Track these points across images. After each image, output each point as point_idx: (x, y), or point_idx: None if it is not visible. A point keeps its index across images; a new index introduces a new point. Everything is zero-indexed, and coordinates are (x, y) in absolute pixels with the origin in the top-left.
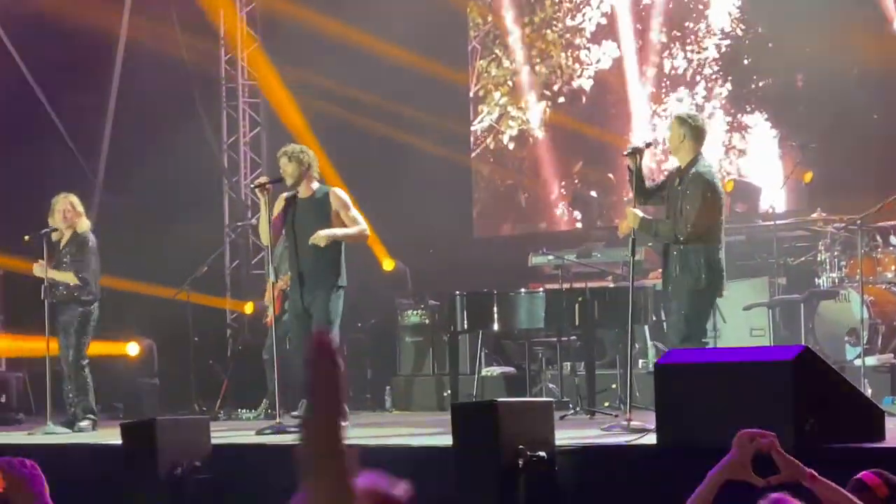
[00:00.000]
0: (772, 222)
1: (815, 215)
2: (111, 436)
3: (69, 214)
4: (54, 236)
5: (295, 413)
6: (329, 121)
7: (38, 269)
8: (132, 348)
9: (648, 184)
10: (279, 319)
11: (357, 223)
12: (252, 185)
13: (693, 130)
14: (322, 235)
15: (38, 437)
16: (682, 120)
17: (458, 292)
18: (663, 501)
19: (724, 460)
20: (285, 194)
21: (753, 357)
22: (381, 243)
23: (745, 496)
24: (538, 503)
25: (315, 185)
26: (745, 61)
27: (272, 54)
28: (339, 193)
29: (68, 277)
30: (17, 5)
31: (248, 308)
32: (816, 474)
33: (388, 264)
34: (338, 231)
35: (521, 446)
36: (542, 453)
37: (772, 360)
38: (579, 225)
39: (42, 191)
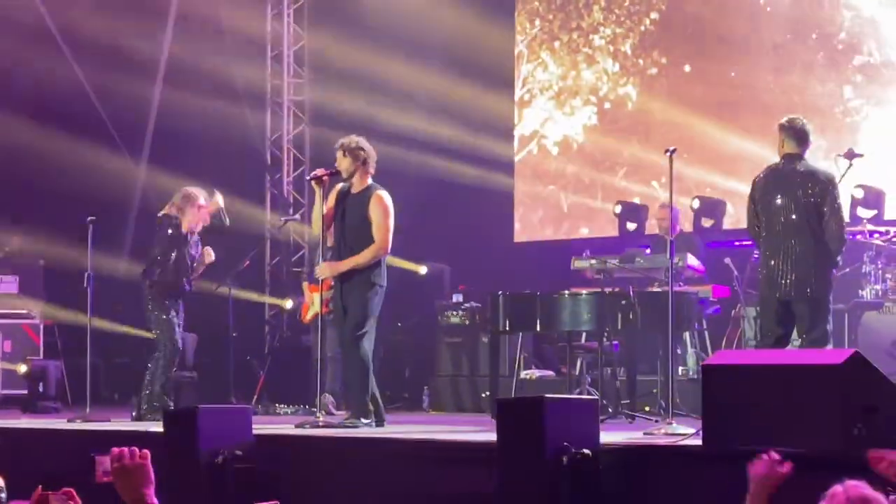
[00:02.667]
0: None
1: (860, 227)
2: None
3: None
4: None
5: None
6: (371, 112)
7: None
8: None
9: None
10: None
11: (378, 237)
12: (309, 177)
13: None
14: (326, 270)
15: (77, 424)
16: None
17: (500, 292)
18: (708, 502)
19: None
20: (339, 186)
21: (803, 360)
22: (403, 259)
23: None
24: (582, 501)
25: (369, 181)
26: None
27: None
28: (382, 198)
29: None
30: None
31: (287, 304)
32: None
33: (421, 270)
34: (343, 265)
35: (566, 444)
36: (586, 451)
37: (821, 364)
38: (626, 229)
39: (87, 178)
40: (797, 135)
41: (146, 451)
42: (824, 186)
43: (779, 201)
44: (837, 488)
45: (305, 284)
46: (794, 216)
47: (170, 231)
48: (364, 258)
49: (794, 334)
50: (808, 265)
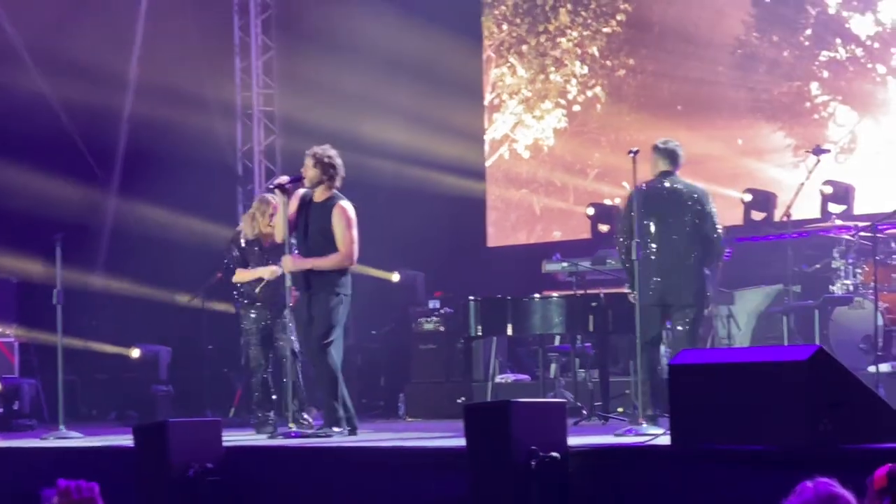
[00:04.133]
0: (787, 230)
1: (829, 222)
2: (124, 439)
3: None
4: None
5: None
6: (342, 122)
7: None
8: (134, 352)
9: None
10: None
11: (342, 246)
12: (270, 185)
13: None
14: (289, 263)
15: (50, 441)
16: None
17: (472, 297)
18: (678, 501)
19: None
20: (301, 191)
21: (768, 357)
22: (372, 266)
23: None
24: None
25: (332, 192)
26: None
27: (285, 62)
28: (344, 209)
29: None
30: (32, 13)
31: None
32: None
33: (393, 277)
34: (307, 262)
35: (533, 447)
36: (555, 454)
37: (786, 361)
38: (599, 231)
39: (54, 196)
40: (670, 155)
41: (94, 485)
42: (701, 198)
43: (654, 216)
44: (806, 484)
45: None
46: (669, 228)
47: (234, 249)
48: (327, 262)
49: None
50: (685, 272)
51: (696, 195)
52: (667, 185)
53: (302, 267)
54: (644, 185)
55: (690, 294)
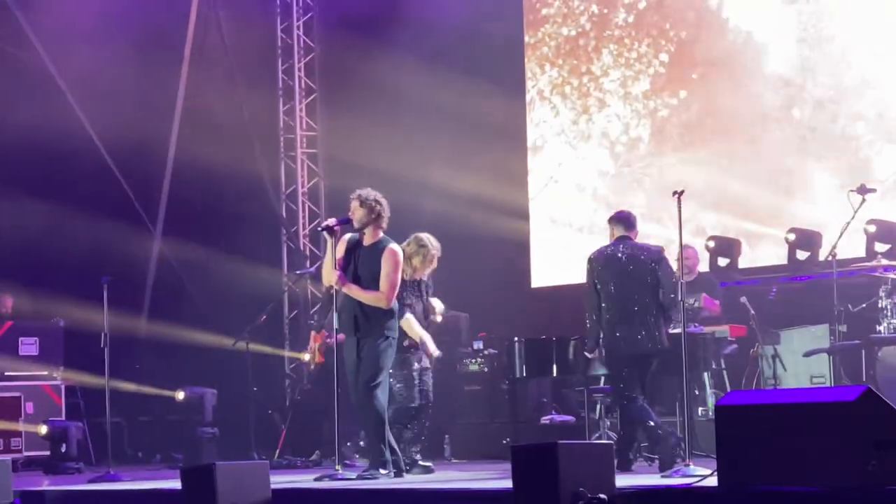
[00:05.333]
0: (832, 269)
1: (875, 262)
2: (170, 482)
3: None
4: None
5: (348, 461)
6: (385, 163)
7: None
8: (180, 394)
9: None
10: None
11: (384, 287)
12: (320, 227)
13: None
14: (333, 277)
15: (101, 484)
16: None
17: (517, 338)
18: None
19: None
20: (349, 236)
21: (815, 398)
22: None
23: None
24: None
25: (380, 234)
26: (796, 111)
27: (328, 104)
28: (395, 253)
29: None
30: (78, 57)
31: (306, 357)
32: None
33: (436, 318)
34: (354, 288)
35: (581, 489)
36: (602, 496)
37: (834, 401)
38: None
39: (102, 242)
40: (624, 222)
41: None
42: (654, 258)
43: (615, 277)
44: None
45: (312, 333)
46: (629, 287)
47: None
48: (367, 296)
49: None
50: (647, 327)
51: (650, 255)
52: (623, 248)
53: (348, 291)
54: (604, 250)
55: (654, 346)
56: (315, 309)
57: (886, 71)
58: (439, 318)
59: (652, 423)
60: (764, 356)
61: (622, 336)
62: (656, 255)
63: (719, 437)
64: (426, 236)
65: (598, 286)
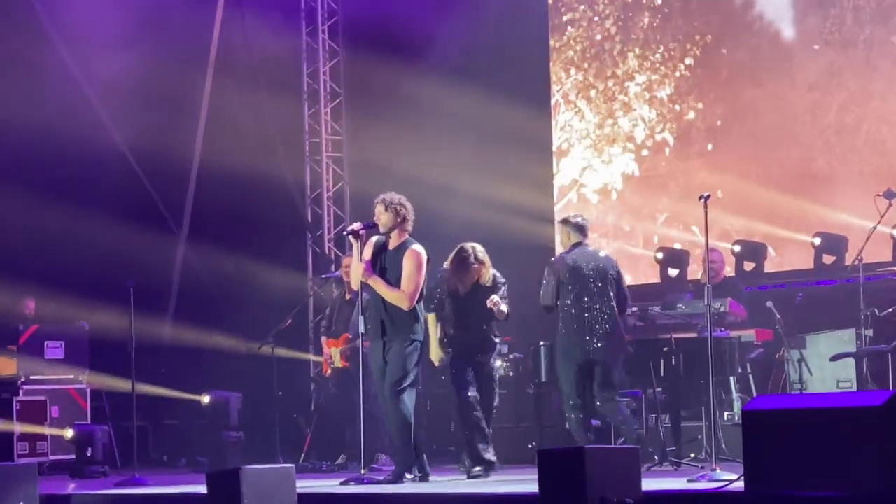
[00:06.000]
0: (858, 274)
1: None
2: (196, 486)
3: None
4: None
5: (375, 465)
6: (410, 168)
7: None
8: (205, 398)
9: None
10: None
11: (406, 286)
12: (346, 231)
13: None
14: (360, 269)
15: (126, 489)
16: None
17: (542, 342)
18: None
19: None
20: (375, 238)
21: (842, 402)
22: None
23: None
24: None
25: (406, 237)
26: (822, 115)
27: (354, 109)
28: (418, 253)
29: None
30: (102, 66)
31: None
32: None
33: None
34: (379, 281)
35: (607, 493)
36: (629, 500)
37: (861, 406)
38: (668, 275)
39: (129, 245)
40: (580, 228)
41: None
42: (609, 264)
43: (574, 281)
44: None
45: (324, 339)
46: (587, 292)
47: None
48: (389, 293)
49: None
50: (602, 331)
51: (609, 263)
52: (579, 254)
53: (374, 284)
54: (561, 256)
55: (612, 350)
56: (320, 316)
57: None
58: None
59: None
60: (790, 360)
61: (578, 341)
62: (614, 262)
63: (746, 441)
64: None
65: (559, 288)
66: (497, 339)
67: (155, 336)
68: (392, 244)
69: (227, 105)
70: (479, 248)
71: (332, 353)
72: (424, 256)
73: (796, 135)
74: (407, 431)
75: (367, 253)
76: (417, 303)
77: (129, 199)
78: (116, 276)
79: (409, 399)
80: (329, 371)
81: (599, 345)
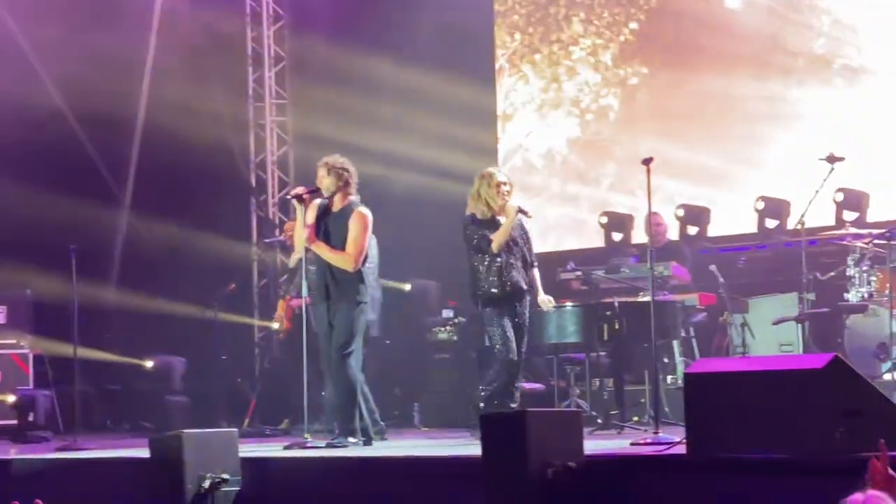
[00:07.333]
0: (800, 238)
1: (843, 230)
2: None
3: None
4: None
5: (318, 428)
6: (354, 133)
7: None
8: (148, 363)
9: None
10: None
11: (351, 248)
12: (290, 195)
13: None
14: (303, 235)
15: (69, 453)
16: None
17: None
18: None
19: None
20: (318, 201)
21: (784, 365)
22: (387, 278)
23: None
24: None
25: (348, 199)
26: (765, 79)
27: (298, 74)
28: (364, 215)
29: None
30: (46, 27)
31: (276, 326)
32: None
33: (405, 287)
34: (322, 246)
35: (550, 456)
36: (571, 463)
37: (802, 369)
38: (612, 240)
39: (71, 209)
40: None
41: None
42: None
43: None
44: (857, 496)
45: (280, 301)
46: None
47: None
48: (334, 256)
49: None
50: None
51: None
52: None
53: (317, 249)
54: None
55: None
56: (283, 278)
57: (852, 39)
58: (407, 288)
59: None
60: (733, 324)
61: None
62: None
63: (688, 404)
64: (493, 169)
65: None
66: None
67: (98, 301)
68: (335, 207)
69: (171, 69)
70: None
71: (281, 316)
72: (370, 218)
73: (740, 99)
74: (352, 396)
75: (311, 216)
76: (362, 265)
77: (71, 163)
78: (59, 240)
79: (354, 363)
80: (281, 335)
81: None
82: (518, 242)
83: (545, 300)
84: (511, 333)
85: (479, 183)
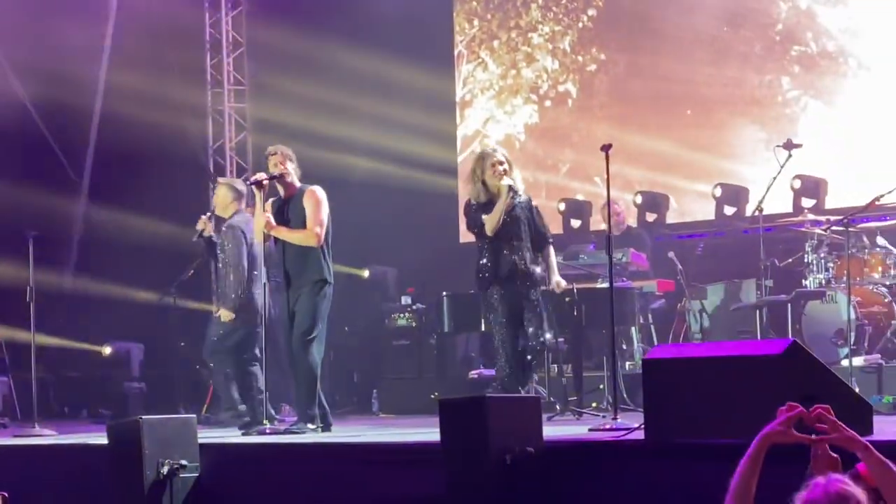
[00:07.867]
0: (758, 224)
1: (801, 217)
2: (97, 436)
3: None
4: None
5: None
6: (313, 119)
7: None
8: (106, 349)
9: None
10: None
11: (310, 225)
12: (249, 181)
13: None
14: (262, 221)
15: (26, 440)
16: None
17: (445, 293)
18: (653, 496)
19: (767, 427)
20: (272, 199)
21: (742, 351)
22: (342, 263)
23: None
24: (527, 499)
25: (297, 185)
26: (722, 66)
27: (258, 62)
28: (314, 192)
29: None
30: (3, 13)
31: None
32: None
33: (363, 273)
34: (283, 230)
35: (509, 442)
36: (530, 449)
37: (760, 354)
38: (570, 227)
39: (28, 195)
40: None
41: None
42: None
43: None
44: (819, 480)
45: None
46: None
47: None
48: (296, 235)
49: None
50: None
51: None
52: None
53: (277, 233)
54: None
55: None
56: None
57: (809, 25)
58: (365, 275)
59: None
60: (691, 311)
61: None
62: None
63: (646, 390)
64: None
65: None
66: None
67: (56, 287)
68: (287, 195)
69: (129, 55)
70: None
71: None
72: (322, 194)
73: (698, 86)
74: (313, 382)
75: (268, 207)
76: (325, 241)
77: (29, 150)
78: (16, 226)
79: (316, 350)
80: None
81: None
82: (522, 221)
83: (556, 282)
84: (504, 319)
85: (475, 164)
